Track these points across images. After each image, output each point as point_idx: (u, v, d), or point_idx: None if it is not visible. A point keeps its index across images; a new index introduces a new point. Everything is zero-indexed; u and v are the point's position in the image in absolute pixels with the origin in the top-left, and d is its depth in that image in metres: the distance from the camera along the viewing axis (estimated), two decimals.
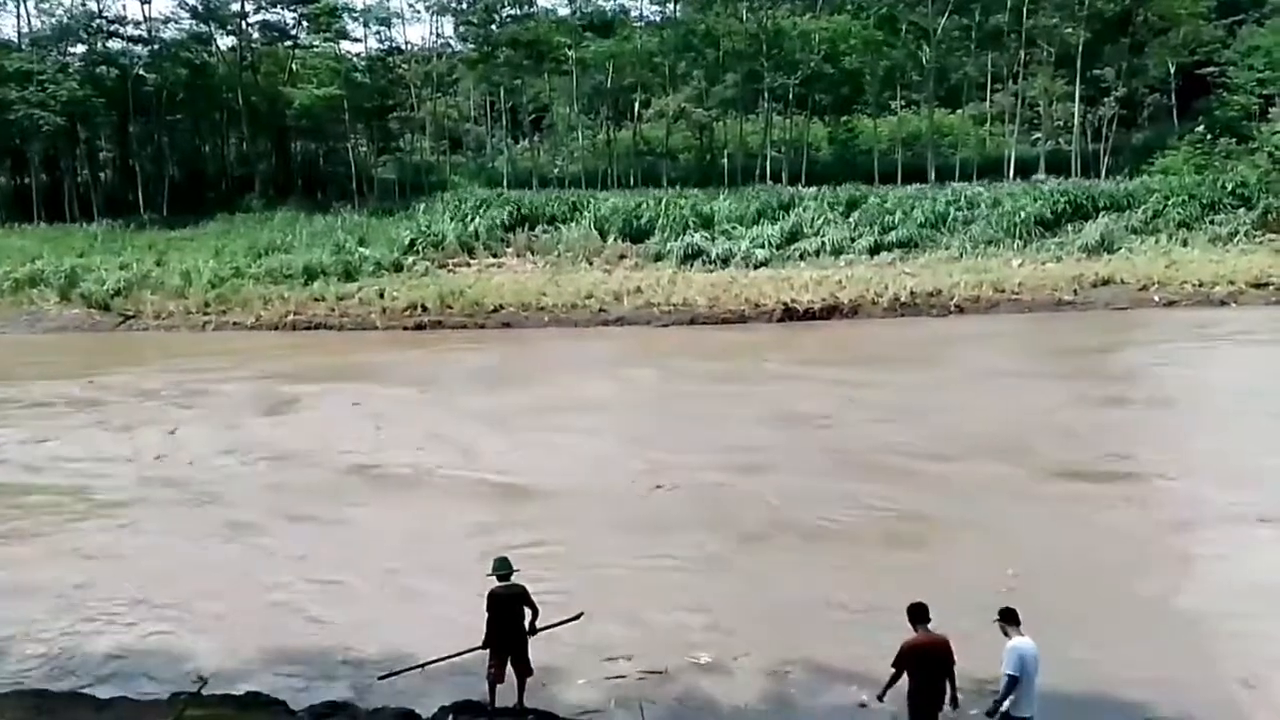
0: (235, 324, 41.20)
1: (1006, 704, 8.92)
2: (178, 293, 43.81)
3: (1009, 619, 9.09)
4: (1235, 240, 46.50)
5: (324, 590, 14.15)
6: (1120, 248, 46.14)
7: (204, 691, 10.56)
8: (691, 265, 46.90)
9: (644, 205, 51.19)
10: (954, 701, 9.13)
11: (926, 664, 9.04)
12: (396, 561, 15.08)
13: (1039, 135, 59.55)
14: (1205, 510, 16.48)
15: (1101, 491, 17.47)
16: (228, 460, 21.28)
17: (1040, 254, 45.99)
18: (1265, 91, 59.32)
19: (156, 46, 62.39)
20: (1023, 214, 48.07)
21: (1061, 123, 59.77)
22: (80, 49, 62.10)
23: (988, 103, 61.72)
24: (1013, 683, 8.87)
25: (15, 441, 23.03)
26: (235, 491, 18.97)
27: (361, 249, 48.43)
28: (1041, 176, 53.20)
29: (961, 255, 46.29)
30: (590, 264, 47.68)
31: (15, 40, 62.46)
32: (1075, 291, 40.41)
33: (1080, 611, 12.60)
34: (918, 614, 9.17)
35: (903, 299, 39.78)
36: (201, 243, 50.40)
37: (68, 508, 18.17)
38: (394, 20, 65.93)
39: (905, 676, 9.13)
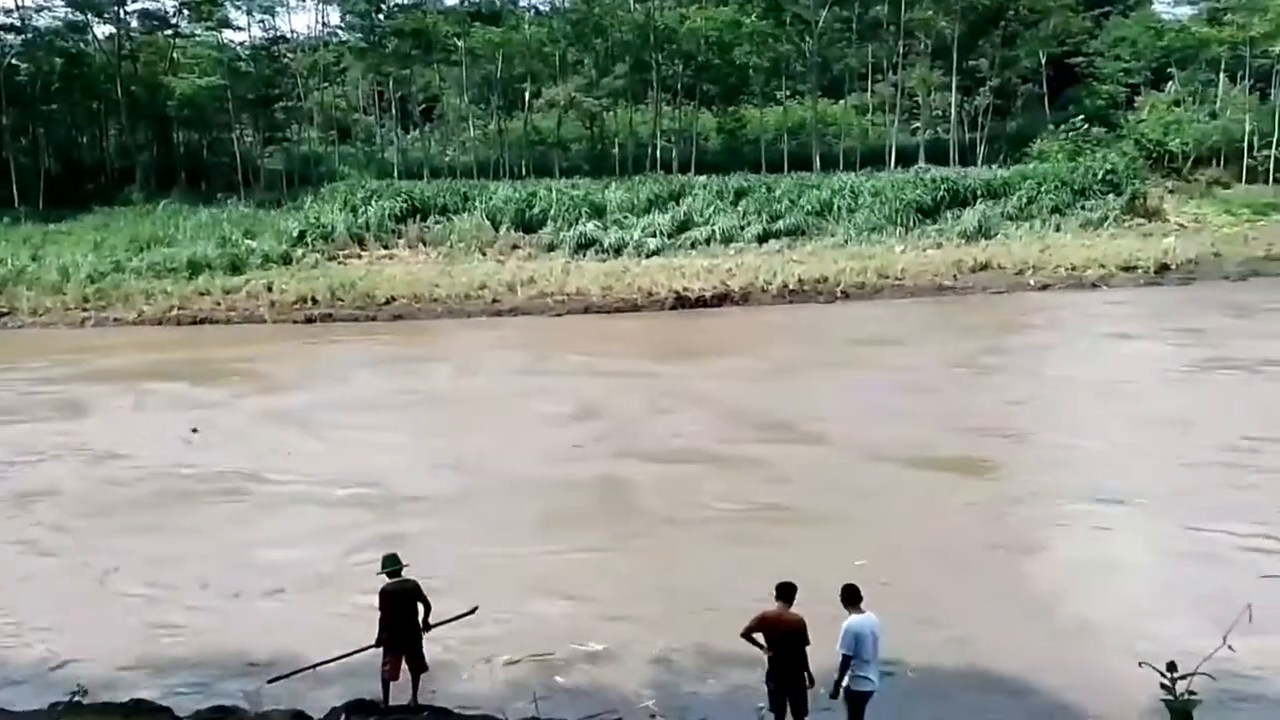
0: (117, 320, 39.87)
1: (846, 679, 9.25)
2: (55, 288, 42.23)
3: (849, 598, 9.36)
4: (1105, 225, 48.60)
5: (186, 597, 13.98)
6: (997, 233, 47.82)
7: (84, 701, 10.13)
8: (584, 255, 47.21)
9: (536, 195, 51.29)
10: (811, 681, 9.42)
11: (779, 640, 9.35)
12: (245, 567, 14.91)
13: (918, 125, 61.33)
14: (1053, 491, 17.12)
15: (952, 475, 18.05)
16: (53, 464, 20.80)
17: (921, 240, 47.39)
18: (1131, 81, 62.12)
19: (30, 35, 60.41)
20: (904, 202, 49.38)
21: (940, 112, 61.59)
22: None
23: (869, 93, 63.28)
24: (846, 661, 9.19)
25: None
26: (68, 498, 18.56)
27: (248, 241, 47.50)
28: (922, 165, 54.76)
29: (846, 242, 47.40)
30: (483, 255, 47.62)
31: None
32: (955, 277, 41.69)
33: (935, 591, 13.08)
34: (781, 591, 9.45)
35: (791, 286, 40.54)
36: (80, 236, 48.92)
37: None
38: (278, 9, 64.66)
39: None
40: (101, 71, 60.94)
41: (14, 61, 59.45)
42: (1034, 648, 11.72)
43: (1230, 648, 4.65)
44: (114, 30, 61.41)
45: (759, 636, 9.48)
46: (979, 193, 50.48)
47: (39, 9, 61.11)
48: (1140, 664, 4.62)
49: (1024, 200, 50.13)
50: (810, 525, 15.87)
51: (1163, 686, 3.87)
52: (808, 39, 58.31)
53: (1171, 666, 3.91)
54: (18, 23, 60.22)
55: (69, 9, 60.29)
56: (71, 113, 63.78)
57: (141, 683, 11.63)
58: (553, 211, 50.17)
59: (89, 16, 60.96)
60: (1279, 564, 13.87)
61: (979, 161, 55.68)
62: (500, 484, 18.49)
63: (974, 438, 20.30)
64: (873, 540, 14.89)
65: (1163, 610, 12.64)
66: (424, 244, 49.36)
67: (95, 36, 62.58)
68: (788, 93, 62.60)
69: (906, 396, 24.13)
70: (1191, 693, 3.87)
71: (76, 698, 10.22)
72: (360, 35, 62.57)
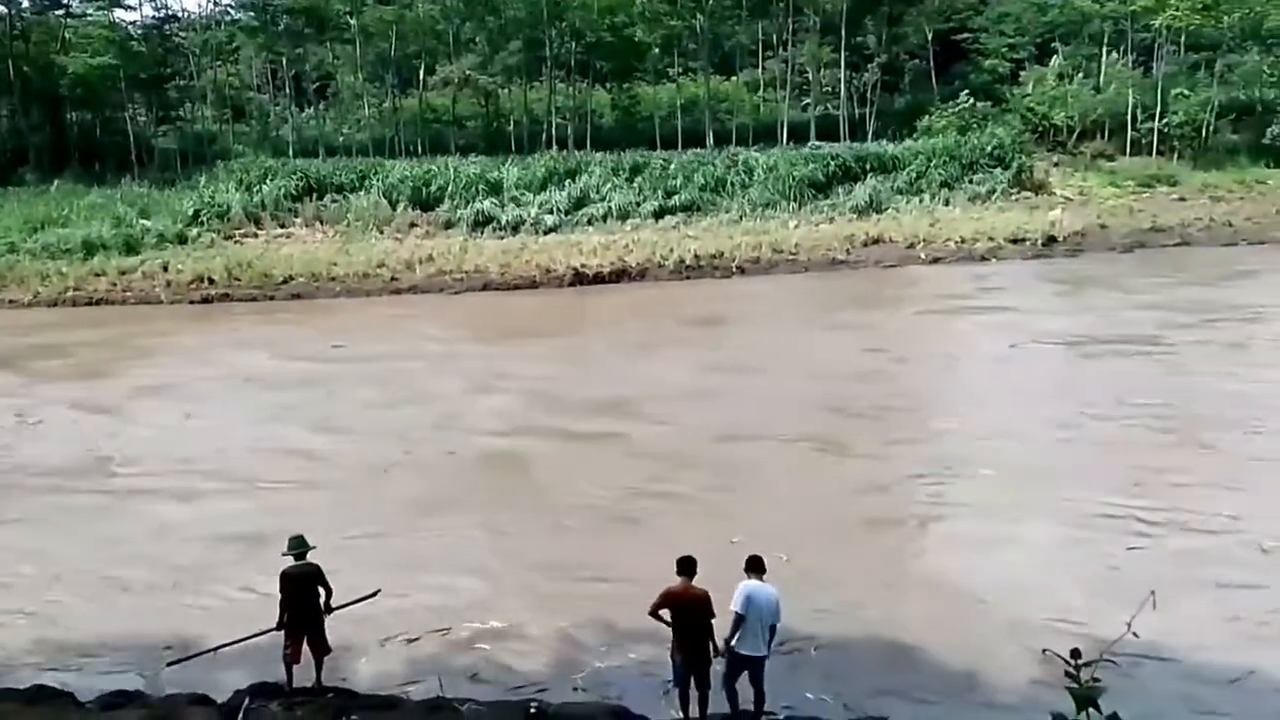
0: (11, 301, 39.02)
1: (735, 640, 9.60)
2: None
3: (752, 566, 9.74)
4: (993, 198, 49.99)
5: (76, 583, 14.11)
6: (888, 208, 48.93)
7: None
8: (482, 232, 47.34)
9: (433, 173, 51.18)
10: (717, 652, 9.71)
11: (684, 614, 9.61)
12: (121, 554, 15.02)
13: (809, 101, 62.15)
14: (911, 465, 17.67)
15: (836, 450, 18.65)
16: None
17: (814, 215, 48.23)
18: (1016, 56, 63.83)
19: None
20: (796, 178, 50.23)
21: (829, 89, 62.43)
22: None
23: (760, 70, 63.96)
24: (739, 620, 9.51)
25: None
26: None
27: (143, 221, 46.80)
28: (813, 141, 55.59)
29: (741, 218, 48.12)
30: (381, 233, 47.47)
31: None
32: (848, 251, 42.55)
33: (825, 568, 13.43)
34: (682, 566, 9.70)
35: (688, 261, 41.09)
36: None
37: None
38: None
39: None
40: None
41: None
42: (925, 620, 12.17)
43: (1134, 634, 4.69)
44: (4, 10, 59.49)
45: (665, 613, 9.70)
46: (869, 168, 51.54)
47: None
48: (1044, 651, 4.76)
49: (913, 175, 51.30)
50: (681, 503, 16.16)
51: (1067, 674, 3.86)
52: (699, 16, 58.81)
53: (1075, 654, 3.91)
54: None
55: None
56: None
57: (43, 666, 11.76)
58: (450, 189, 50.13)
59: None
60: (1141, 535, 14.44)
61: (869, 137, 56.74)
62: (355, 467, 18.74)
63: (837, 415, 20.74)
64: (746, 518, 15.17)
65: (1042, 579, 13.17)
66: (321, 223, 49.02)
67: None
68: (680, 70, 63.10)
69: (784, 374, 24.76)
70: (1096, 679, 3.83)
71: None
72: (253, 14, 61.56)
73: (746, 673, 9.78)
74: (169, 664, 11.20)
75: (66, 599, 13.67)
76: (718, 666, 9.88)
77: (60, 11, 61.90)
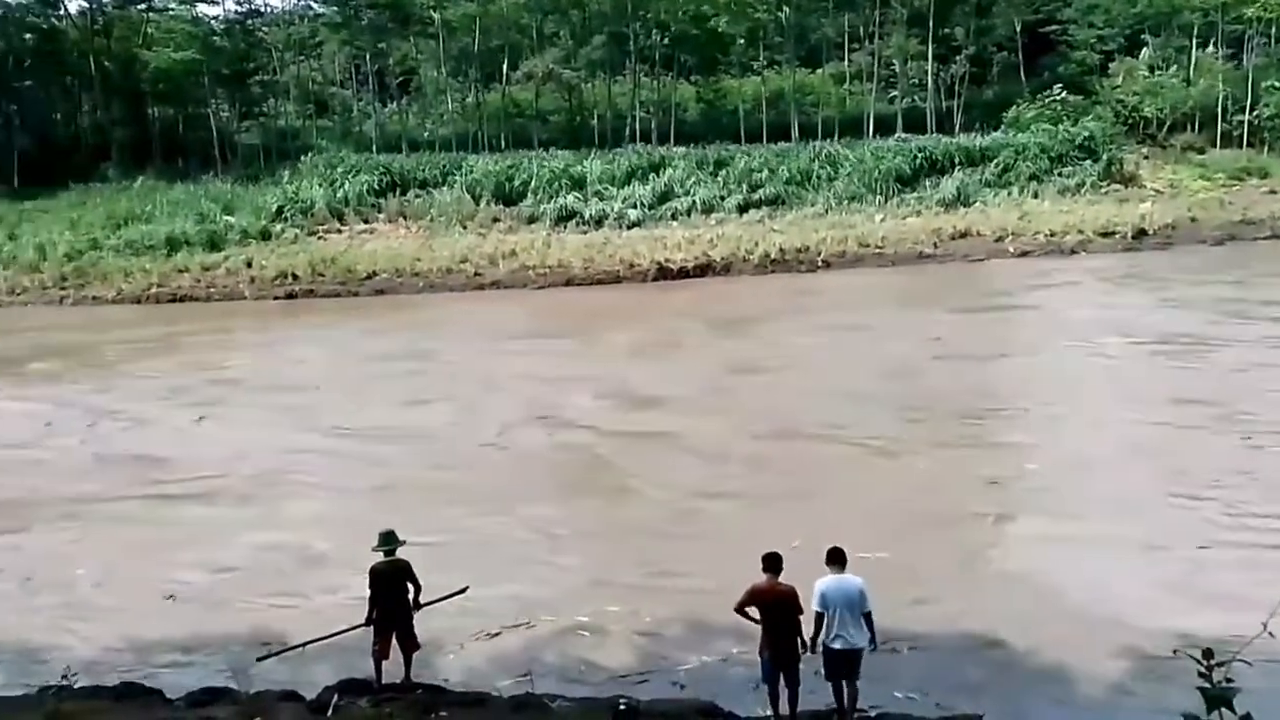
0: (95, 298, 39.66)
1: (824, 636, 9.49)
2: (32, 267, 42.09)
3: (830, 559, 9.59)
4: (1082, 191, 48.60)
5: (169, 579, 14.02)
6: (975, 201, 47.78)
7: (74, 684, 10.26)
8: (565, 227, 47.03)
9: (516, 168, 50.96)
10: (804, 647, 9.59)
11: (769, 610, 9.47)
12: (217, 550, 14.98)
13: (896, 93, 61.13)
14: (994, 461, 17.25)
15: (909, 447, 18.17)
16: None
17: (901, 209, 47.31)
18: (1105, 48, 62.07)
19: (1, 11, 59.58)
20: (883, 170, 49.29)
21: (916, 81, 61.38)
22: None
23: (846, 62, 62.97)
24: (818, 617, 9.45)
25: None
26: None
27: (227, 217, 47.14)
28: (900, 134, 54.63)
29: (826, 211, 47.31)
30: (464, 228, 47.36)
31: None
32: (935, 244, 41.67)
33: (909, 563, 13.10)
34: (767, 563, 9.54)
35: (772, 256, 40.49)
36: (56, 214, 48.53)
37: None
38: None
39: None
40: (75, 47, 60.39)
41: None
42: (1009, 617, 11.82)
43: (1270, 634, 4.56)
44: (86, 5, 60.67)
45: (752, 610, 9.56)
46: (957, 161, 50.41)
47: None
48: (1175, 651, 4.55)
49: (1001, 168, 50.08)
50: (751, 501, 15.88)
51: (1200, 674, 3.74)
52: (785, 8, 58.04)
53: (1208, 654, 3.80)
54: None
55: None
56: (45, 89, 62.89)
57: (132, 663, 11.68)
58: (533, 184, 49.89)
59: None
60: (1222, 534, 13.93)
61: (956, 130, 55.62)
62: (430, 464, 18.59)
63: (912, 411, 20.23)
64: (820, 516, 14.69)
65: (1125, 577, 12.78)
66: (404, 218, 49.08)
67: (68, 11, 61.80)
68: (765, 62, 62.29)
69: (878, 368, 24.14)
70: (1229, 679, 3.73)
71: (66, 680, 10.28)
72: (336, 9, 61.88)
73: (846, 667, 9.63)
74: (259, 659, 11.12)
75: (158, 596, 13.58)
76: (805, 665, 9.72)
77: (142, 6, 62.88)
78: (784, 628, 9.49)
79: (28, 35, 59.03)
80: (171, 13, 61.35)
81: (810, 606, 9.46)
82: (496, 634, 11.95)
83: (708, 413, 20.93)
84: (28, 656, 12.08)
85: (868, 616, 9.50)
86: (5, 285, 41.08)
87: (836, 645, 9.43)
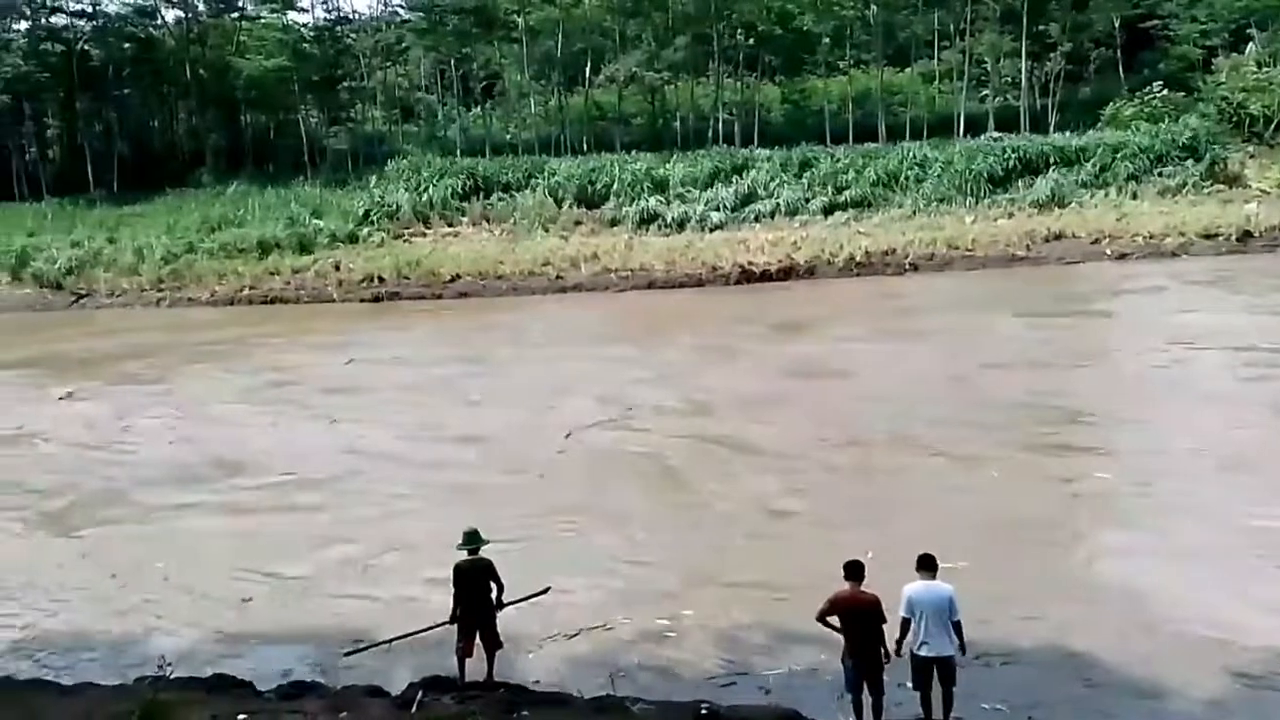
0: (190, 300, 40.86)
1: (911, 643, 9.36)
2: (131, 270, 43.32)
3: (920, 565, 9.47)
4: (1184, 191, 46.89)
5: (257, 573, 14.21)
6: (1071, 202, 46.38)
7: (169, 674, 10.54)
8: (647, 229, 46.85)
9: (598, 171, 51.04)
10: (887, 656, 9.45)
11: (852, 619, 9.37)
12: (313, 544, 15.14)
13: (987, 92, 59.76)
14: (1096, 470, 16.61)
15: (993, 455, 17.61)
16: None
17: (992, 210, 46.21)
18: (1208, 43, 60.10)
19: (101, 21, 61.46)
20: (973, 171, 48.27)
21: (1009, 79, 60.04)
22: (23, 25, 61.03)
23: (936, 60, 61.90)
24: (905, 623, 9.31)
25: None
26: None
27: (316, 221, 47.93)
28: (991, 133, 53.48)
29: (914, 213, 46.43)
30: (546, 230, 47.48)
31: None
32: (1028, 247, 40.60)
33: (993, 574, 12.62)
34: (849, 571, 9.44)
35: (858, 258, 39.85)
36: (153, 219, 49.76)
37: None
38: None
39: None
40: (171, 55, 62.00)
41: (86, 47, 60.48)
42: (1096, 630, 11.51)
43: None
44: (182, 14, 62.19)
45: (833, 619, 9.51)
46: (1051, 160, 49.02)
47: None
48: None
49: (1099, 168, 48.56)
50: (830, 507, 15.70)
51: None
52: (872, 6, 57.29)
53: None
54: (89, 9, 61.32)
55: None
56: (143, 97, 64.79)
57: (221, 656, 11.82)
58: (615, 187, 49.91)
59: (158, 1, 61.67)
60: None
61: (1050, 129, 54.22)
62: (507, 464, 18.55)
63: (994, 418, 19.70)
64: (902, 524, 14.34)
65: (1214, 591, 12.35)
66: (488, 221, 49.44)
67: (164, 21, 63.42)
68: (852, 62, 61.50)
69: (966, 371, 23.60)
70: None
71: (160, 671, 10.62)
72: (421, 14, 62.53)
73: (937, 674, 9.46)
74: (345, 653, 11.24)
75: (241, 592, 13.70)
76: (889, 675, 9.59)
77: (236, 15, 64.19)
78: (867, 636, 9.38)
79: (126, 45, 60.60)
80: (264, 21, 62.59)
81: (897, 612, 9.36)
82: (575, 635, 11.95)
83: (781, 418, 20.58)
84: (119, 649, 12.23)
85: (956, 625, 9.35)
86: (105, 287, 42.36)
87: (924, 652, 9.32)
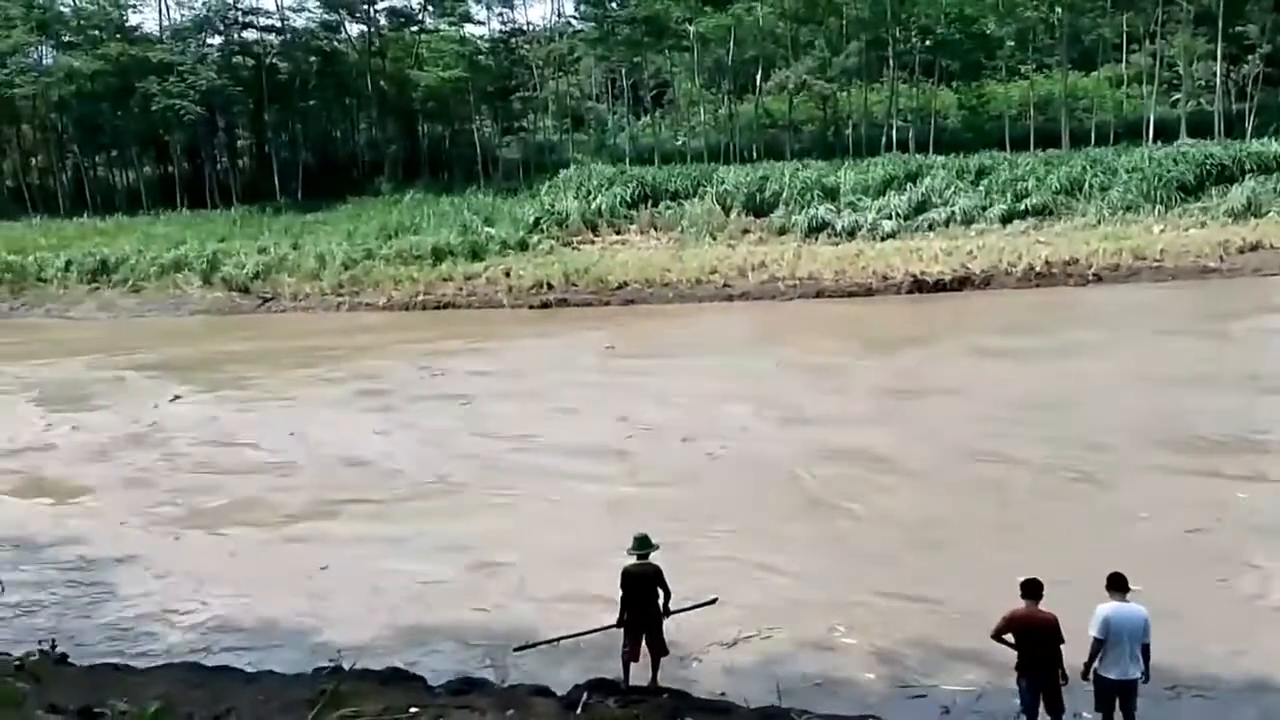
0: (367, 304, 42.41)
1: (1098, 664, 9.01)
2: (313, 275, 45.12)
3: (1112, 585, 9.11)
4: None
5: (430, 568, 14.40)
6: (1269, 211, 43.78)
7: (345, 666, 10.72)
8: (816, 238, 46.33)
9: (768, 179, 50.71)
10: (1065, 677, 9.12)
11: (1028, 637, 9.11)
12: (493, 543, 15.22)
13: (1179, 96, 56.85)
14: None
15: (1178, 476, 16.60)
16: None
17: (1182, 219, 44.09)
18: None
19: (289, 35, 64.47)
20: (1163, 178, 46.01)
21: (1203, 82, 57.04)
22: (217, 40, 64.54)
23: (1124, 64, 59.36)
24: (1096, 644, 8.94)
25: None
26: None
27: (488, 228, 49.05)
28: (1183, 139, 50.95)
29: (1099, 222, 44.63)
30: (714, 239, 47.52)
31: (157, 33, 65.14)
32: (1221, 258, 38.55)
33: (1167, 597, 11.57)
34: (1027, 589, 9.19)
35: (1037, 268, 38.51)
36: (335, 226, 51.76)
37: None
38: (516, 2, 66.65)
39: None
40: (353, 68, 64.48)
41: (275, 61, 63.36)
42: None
43: None
44: (364, 28, 64.54)
45: (1008, 637, 9.29)
46: (1248, 168, 46.38)
47: (297, 10, 65.12)
48: None
49: None
50: (988, 528, 15.05)
51: None
52: (1057, 8, 55.26)
53: None
54: (278, 24, 64.29)
55: (324, 9, 63.79)
56: (326, 108, 67.46)
57: (393, 650, 11.99)
58: (784, 195, 49.43)
59: (342, 15, 64.15)
60: None
61: (1248, 135, 51.26)
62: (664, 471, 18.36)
63: (1171, 439, 18.33)
64: (1070, 546, 13.58)
65: None
66: (655, 229, 49.71)
67: (348, 34, 65.91)
68: (1034, 65, 59.38)
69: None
70: None
71: (335, 662, 10.95)
72: (593, 24, 63.36)
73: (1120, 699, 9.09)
74: (515, 649, 11.38)
75: (409, 589, 13.90)
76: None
77: (415, 28, 66.11)
78: (1043, 658, 9.08)
79: (312, 58, 63.27)
80: (441, 33, 64.31)
81: (1088, 633, 8.98)
82: (733, 644, 11.81)
83: (923, 433, 19.84)
84: (297, 640, 12.55)
85: (1145, 648, 9.01)
86: (289, 292, 44.10)
87: (1112, 675, 8.96)
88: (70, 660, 11.32)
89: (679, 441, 20.17)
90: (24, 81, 59.69)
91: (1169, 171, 46.36)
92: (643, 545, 10.63)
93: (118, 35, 62.72)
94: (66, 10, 65.26)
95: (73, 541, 16.06)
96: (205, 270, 46.58)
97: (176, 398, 26.67)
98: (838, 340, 30.36)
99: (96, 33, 63.09)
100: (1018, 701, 9.37)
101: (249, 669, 11.45)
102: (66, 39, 64.01)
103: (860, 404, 22.62)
